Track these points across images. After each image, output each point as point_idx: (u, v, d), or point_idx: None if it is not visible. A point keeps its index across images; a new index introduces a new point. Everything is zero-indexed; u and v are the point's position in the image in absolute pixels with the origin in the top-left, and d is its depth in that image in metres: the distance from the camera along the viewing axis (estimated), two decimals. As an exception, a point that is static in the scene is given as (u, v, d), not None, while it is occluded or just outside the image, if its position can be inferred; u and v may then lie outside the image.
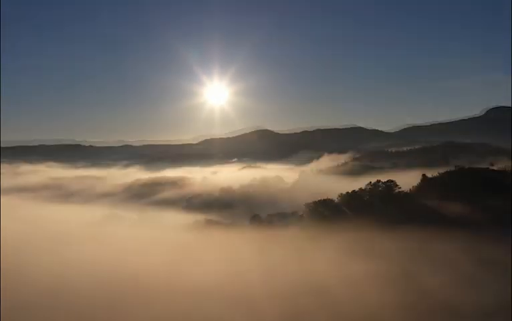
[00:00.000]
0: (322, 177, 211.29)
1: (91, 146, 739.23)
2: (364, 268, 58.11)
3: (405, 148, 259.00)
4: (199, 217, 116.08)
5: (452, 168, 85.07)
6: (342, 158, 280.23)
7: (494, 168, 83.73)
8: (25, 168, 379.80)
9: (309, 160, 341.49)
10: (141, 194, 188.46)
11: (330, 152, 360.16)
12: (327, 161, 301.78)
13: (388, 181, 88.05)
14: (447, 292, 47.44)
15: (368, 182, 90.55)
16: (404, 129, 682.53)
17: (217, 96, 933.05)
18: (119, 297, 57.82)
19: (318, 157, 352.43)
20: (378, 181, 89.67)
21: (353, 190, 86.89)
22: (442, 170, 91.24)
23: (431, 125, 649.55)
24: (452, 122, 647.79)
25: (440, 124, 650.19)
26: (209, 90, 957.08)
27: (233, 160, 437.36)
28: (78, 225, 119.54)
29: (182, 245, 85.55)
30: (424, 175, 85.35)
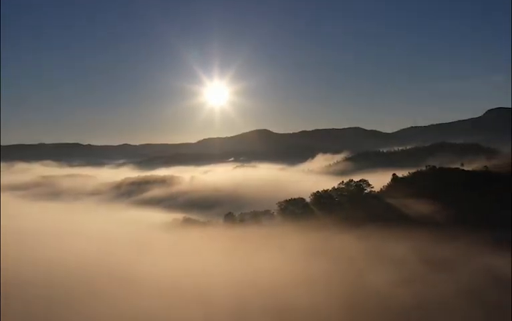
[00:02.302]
0: (311, 176, 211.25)
1: (89, 145, 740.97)
2: (320, 267, 57.62)
3: (397, 149, 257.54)
4: (178, 215, 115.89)
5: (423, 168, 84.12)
6: (335, 158, 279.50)
7: (464, 168, 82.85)
8: (20, 166, 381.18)
9: (304, 160, 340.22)
10: (128, 193, 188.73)
11: (325, 152, 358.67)
12: (320, 161, 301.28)
13: (359, 181, 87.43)
14: (393, 291, 46.94)
15: (341, 181, 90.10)
16: (403, 130, 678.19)
17: (217, 96, 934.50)
18: (75, 294, 57.80)
19: (313, 157, 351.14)
20: (351, 181, 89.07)
21: (324, 190, 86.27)
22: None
23: (430, 126, 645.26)
24: (452, 123, 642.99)
25: (440, 124, 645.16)
26: (209, 90, 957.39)
27: (230, 159, 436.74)
28: (60, 222, 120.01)
29: (152, 243, 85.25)
30: (394, 175, 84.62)
